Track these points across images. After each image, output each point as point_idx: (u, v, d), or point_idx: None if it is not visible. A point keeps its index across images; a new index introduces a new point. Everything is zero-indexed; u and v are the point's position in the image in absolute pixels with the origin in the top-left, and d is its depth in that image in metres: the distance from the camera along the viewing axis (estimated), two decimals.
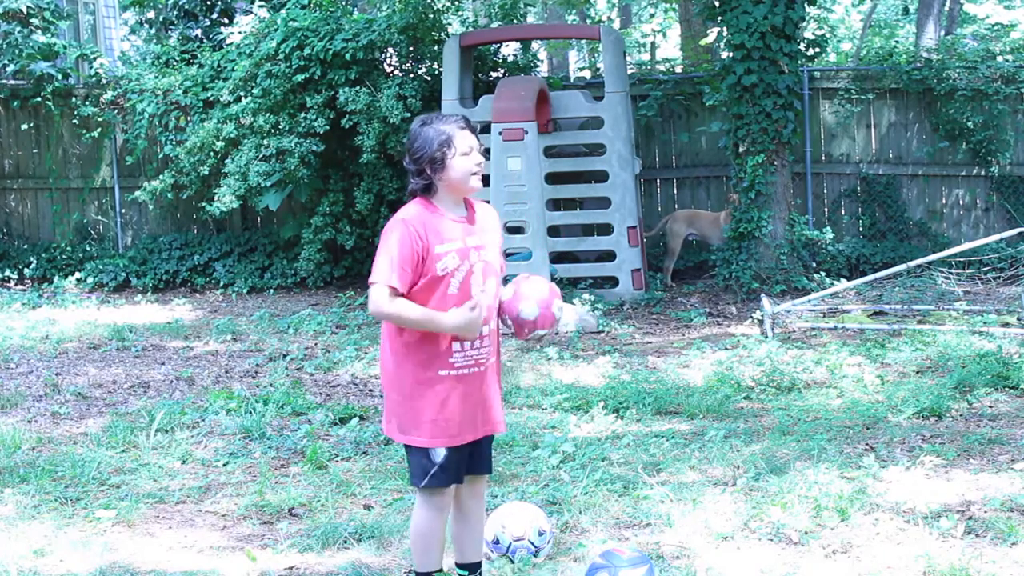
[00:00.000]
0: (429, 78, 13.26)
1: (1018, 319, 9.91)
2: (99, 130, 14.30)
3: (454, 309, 4.33)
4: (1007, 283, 11.18)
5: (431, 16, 13.19)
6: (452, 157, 4.34)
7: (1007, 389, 7.90)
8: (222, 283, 13.83)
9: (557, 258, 12.31)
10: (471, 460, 4.53)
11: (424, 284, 4.34)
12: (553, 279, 11.66)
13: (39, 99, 14.28)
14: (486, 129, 12.01)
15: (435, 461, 4.39)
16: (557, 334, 4.75)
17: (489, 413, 4.52)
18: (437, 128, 4.36)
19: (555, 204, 12.35)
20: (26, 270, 14.44)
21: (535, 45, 15.27)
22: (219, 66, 13.88)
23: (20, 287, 14.23)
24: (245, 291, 13.60)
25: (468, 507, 4.63)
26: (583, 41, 23.27)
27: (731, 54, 12.00)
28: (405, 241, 4.30)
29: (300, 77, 12.69)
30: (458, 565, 4.67)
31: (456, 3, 13.95)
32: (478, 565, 4.69)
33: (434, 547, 4.51)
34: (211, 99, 13.68)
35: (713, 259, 12.48)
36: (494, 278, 4.49)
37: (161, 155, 14.15)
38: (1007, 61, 13.21)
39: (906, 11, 29.06)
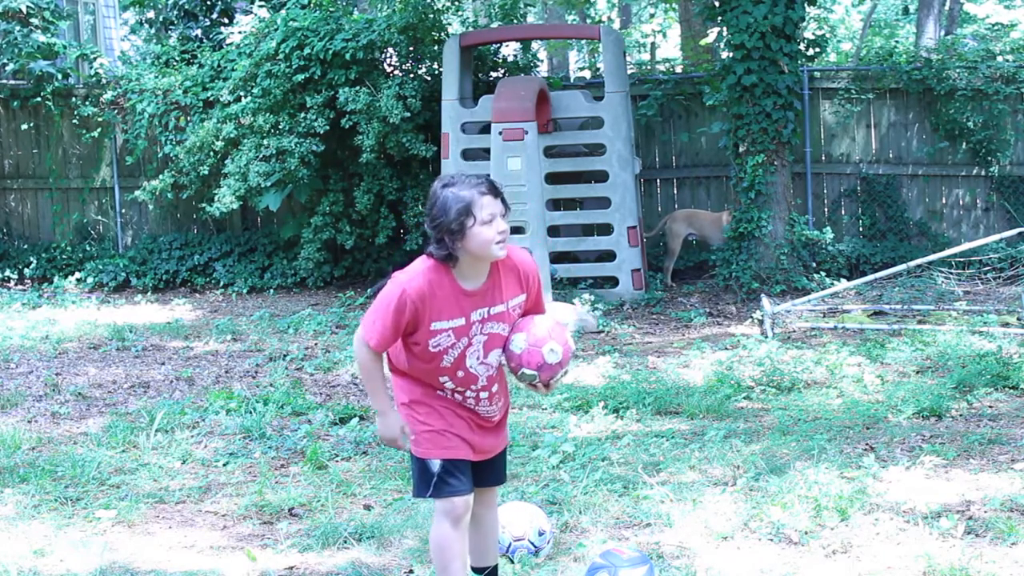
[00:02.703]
0: (429, 78, 13.26)
1: (1018, 319, 9.91)
2: (99, 130, 14.31)
3: (394, 417, 4.30)
4: (1007, 283, 11.19)
5: (431, 16, 13.19)
6: (472, 226, 4.07)
7: (1007, 389, 7.90)
8: (222, 283, 13.84)
9: (557, 258, 12.31)
10: (478, 473, 4.45)
11: (419, 352, 4.25)
12: (553, 279, 11.67)
13: (39, 99, 14.29)
14: (486, 129, 12.01)
15: (432, 471, 4.32)
16: (550, 383, 4.48)
17: (485, 446, 4.43)
18: (457, 194, 4.09)
19: (555, 204, 12.35)
20: (26, 270, 14.44)
21: (535, 45, 15.27)
22: (219, 66, 13.88)
23: (20, 287, 14.23)
24: (245, 291, 13.60)
25: (479, 515, 4.55)
26: (583, 41, 23.26)
27: (731, 54, 12.00)
28: (397, 310, 4.16)
29: (300, 77, 12.69)
30: (473, 568, 4.65)
31: (456, 3, 13.95)
32: (495, 569, 4.66)
33: (451, 561, 4.38)
34: (211, 99, 13.69)
35: (713, 259, 12.49)
36: (499, 350, 4.33)
37: (161, 155, 14.16)
38: (1007, 61, 13.21)
39: (906, 11, 29.06)
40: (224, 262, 13.98)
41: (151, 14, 16.54)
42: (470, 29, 13.96)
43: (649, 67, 18.33)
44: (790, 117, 12.03)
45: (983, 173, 13.14)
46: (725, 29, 12.08)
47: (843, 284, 11.33)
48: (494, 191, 4.14)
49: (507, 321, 4.31)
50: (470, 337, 4.24)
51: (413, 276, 4.19)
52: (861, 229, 13.41)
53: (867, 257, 12.96)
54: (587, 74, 17.74)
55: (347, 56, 12.51)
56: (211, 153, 13.24)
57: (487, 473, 4.51)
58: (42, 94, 14.26)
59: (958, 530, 5.26)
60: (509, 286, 4.30)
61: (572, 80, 15.08)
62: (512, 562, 5.06)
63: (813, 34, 13.26)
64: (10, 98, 14.53)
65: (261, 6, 15.05)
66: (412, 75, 13.15)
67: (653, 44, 28.18)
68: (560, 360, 4.30)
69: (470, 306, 4.21)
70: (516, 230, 11.95)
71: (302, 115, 12.83)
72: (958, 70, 12.97)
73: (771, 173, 12.07)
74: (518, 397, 8.13)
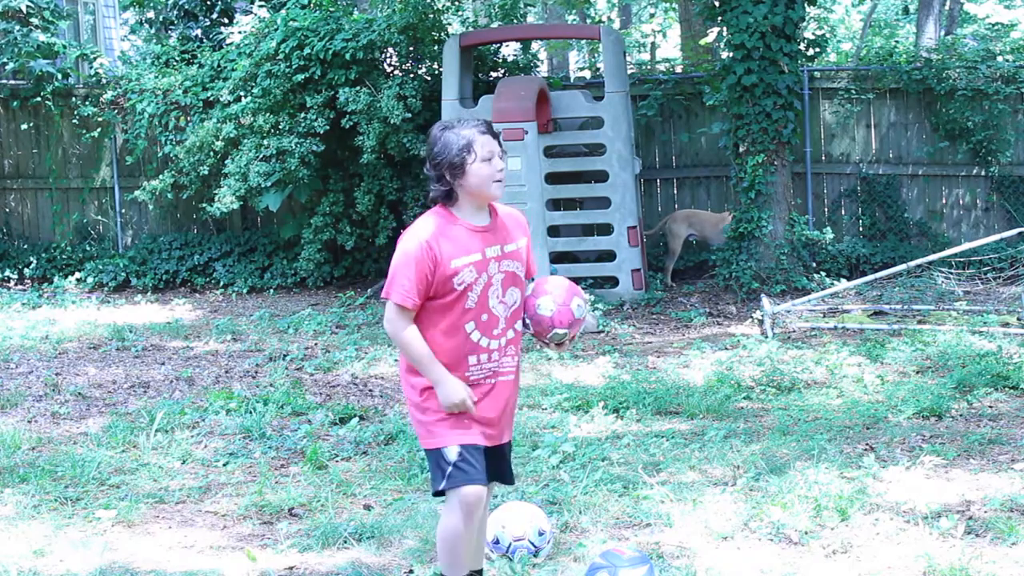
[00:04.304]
0: (429, 78, 13.26)
1: (1018, 319, 9.91)
2: (99, 130, 14.30)
3: (455, 381, 4.31)
4: (1007, 283, 11.18)
5: (431, 16, 13.19)
6: (472, 163, 4.28)
7: (1007, 389, 7.90)
8: (222, 283, 13.83)
9: (557, 258, 12.31)
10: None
11: (443, 303, 4.31)
12: None
13: (39, 99, 14.29)
14: None
15: (449, 460, 4.35)
16: (577, 337, 4.69)
17: (501, 423, 4.49)
18: (458, 133, 4.31)
19: (555, 204, 12.35)
20: (26, 270, 14.44)
21: (535, 45, 15.27)
22: (219, 66, 13.88)
23: (20, 287, 14.23)
24: (245, 291, 13.60)
25: None
26: (583, 41, 23.25)
27: (731, 54, 12.00)
28: (416, 258, 4.25)
29: (300, 77, 12.68)
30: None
31: (456, 3, 13.95)
32: (479, 573, 4.66)
33: (462, 553, 4.44)
34: (211, 99, 13.68)
35: (713, 259, 12.49)
36: (516, 288, 4.44)
37: (161, 155, 14.16)
38: (1007, 61, 13.21)
39: (906, 11, 29.04)
40: (224, 262, 13.98)
41: (151, 14, 16.53)
42: (470, 29, 13.96)
43: (649, 67, 18.34)
44: (790, 117, 12.03)
45: (983, 173, 13.14)
46: (725, 29, 12.08)
47: (843, 284, 11.33)
48: (491, 132, 4.35)
49: (521, 261, 4.46)
50: (489, 274, 4.35)
51: (421, 223, 4.36)
52: (861, 229, 13.41)
53: (867, 257, 12.95)
54: (587, 74, 17.73)
55: (347, 56, 12.51)
56: (211, 153, 13.24)
57: (491, 469, 4.49)
58: (42, 94, 14.26)
59: (958, 530, 5.26)
60: (514, 228, 4.48)
61: (572, 80, 15.08)
62: (512, 562, 5.06)
63: (813, 34, 13.25)
64: (10, 98, 14.53)
65: (261, 6, 15.05)
66: (412, 75, 13.14)
67: (653, 44, 28.17)
68: (584, 313, 4.55)
69: (482, 242, 4.35)
70: None
71: (302, 115, 12.83)
72: (958, 70, 12.97)
73: (771, 173, 12.07)
74: (518, 397, 8.13)
